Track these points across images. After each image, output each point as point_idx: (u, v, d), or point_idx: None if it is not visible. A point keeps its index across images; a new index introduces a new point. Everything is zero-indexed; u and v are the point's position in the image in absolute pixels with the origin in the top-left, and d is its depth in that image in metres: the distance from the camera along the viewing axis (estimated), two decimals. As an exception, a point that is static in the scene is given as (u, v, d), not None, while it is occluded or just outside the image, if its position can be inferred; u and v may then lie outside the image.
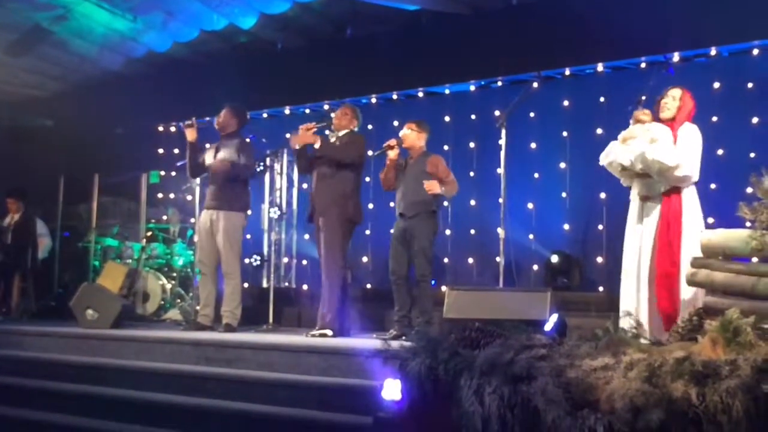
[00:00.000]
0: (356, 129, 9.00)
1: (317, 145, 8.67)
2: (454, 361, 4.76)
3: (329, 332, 8.34)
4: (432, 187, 8.39)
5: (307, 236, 12.56)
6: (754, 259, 6.11)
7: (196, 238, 10.33)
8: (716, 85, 9.91)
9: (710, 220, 8.95)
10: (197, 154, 9.43)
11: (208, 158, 9.35)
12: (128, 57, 13.30)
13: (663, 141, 6.91)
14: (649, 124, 7.11)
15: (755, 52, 9.81)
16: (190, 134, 9.35)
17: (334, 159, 8.62)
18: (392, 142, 8.65)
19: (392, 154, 8.60)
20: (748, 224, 5.75)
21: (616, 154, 7.16)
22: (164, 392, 7.12)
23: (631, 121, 7.39)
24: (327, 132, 8.98)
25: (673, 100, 7.17)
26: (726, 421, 3.74)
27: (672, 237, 6.64)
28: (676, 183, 6.84)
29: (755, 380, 3.77)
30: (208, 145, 9.55)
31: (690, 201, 6.81)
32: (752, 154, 9.37)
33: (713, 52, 9.99)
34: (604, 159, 7.26)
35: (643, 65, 10.42)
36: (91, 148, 13.42)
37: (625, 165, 7.03)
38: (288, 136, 10.22)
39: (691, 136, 6.97)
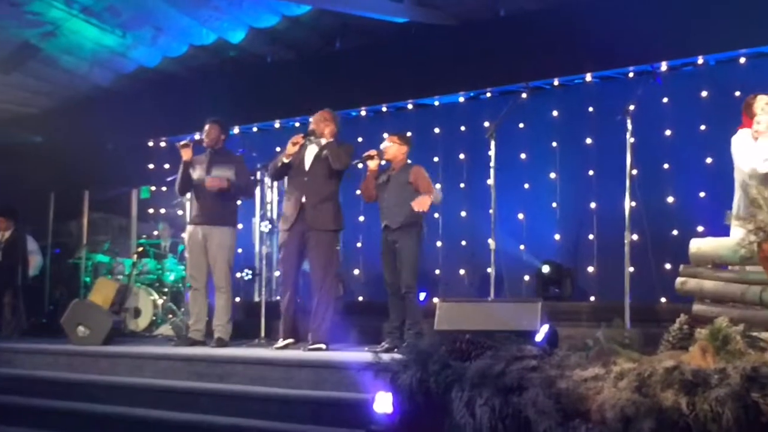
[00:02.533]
0: (335, 134, 8.83)
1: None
2: (445, 373, 4.77)
3: (323, 346, 8.34)
4: (421, 206, 8.34)
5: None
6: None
7: (186, 253, 10.32)
8: (704, 93, 9.95)
9: (700, 228, 9.03)
10: (189, 173, 9.41)
11: (198, 173, 9.30)
12: (118, 73, 13.30)
13: None
14: None
15: (742, 60, 9.85)
16: (186, 154, 9.29)
17: (333, 165, 8.57)
18: (372, 152, 8.62)
19: (372, 164, 8.58)
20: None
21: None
22: (156, 408, 7.10)
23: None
24: (311, 139, 8.88)
25: None
26: (716, 429, 3.74)
27: None
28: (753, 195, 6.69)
29: (745, 388, 3.78)
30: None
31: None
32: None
33: (700, 60, 10.03)
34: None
35: (631, 75, 10.45)
36: (81, 164, 13.38)
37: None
38: (278, 149, 10.26)
39: None
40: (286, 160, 8.70)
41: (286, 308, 8.70)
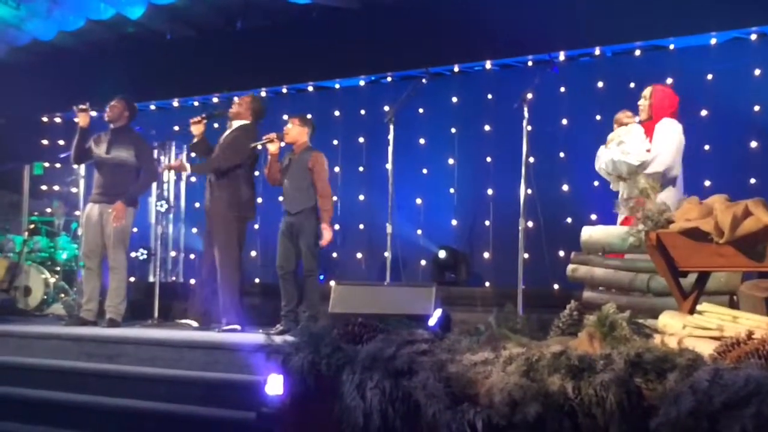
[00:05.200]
0: (250, 121, 8.85)
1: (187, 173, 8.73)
2: (336, 356, 4.76)
3: (238, 327, 8.34)
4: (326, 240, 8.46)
5: (195, 230, 12.44)
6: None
7: (80, 232, 10.12)
8: (600, 84, 10.13)
9: (593, 217, 9.19)
10: (86, 140, 9.21)
11: (98, 150, 9.12)
12: (11, 45, 12.98)
13: (629, 141, 7.04)
14: (628, 126, 7.23)
15: (637, 52, 10.04)
16: (83, 119, 9.11)
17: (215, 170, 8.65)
18: (272, 135, 8.53)
19: (272, 148, 8.53)
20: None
21: (599, 159, 7.30)
22: (44, 389, 6.98)
23: (614, 125, 7.51)
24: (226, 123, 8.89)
25: (644, 99, 7.29)
26: (600, 413, 3.80)
27: None
28: (653, 180, 6.91)
29: (628, 373, 3.85)
30: (94, 136, 9.32)
31: (668, 200, 6.80)
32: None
33: (597, 51, 10.21)
34: (596, 164, 7.46)
35: (529, 63, 10.58)
36: (-28, 138, 13.07)
37: (608, 171, 7.18)
38: (176, 128, 10.15)
39: (665, 132, 7.07)
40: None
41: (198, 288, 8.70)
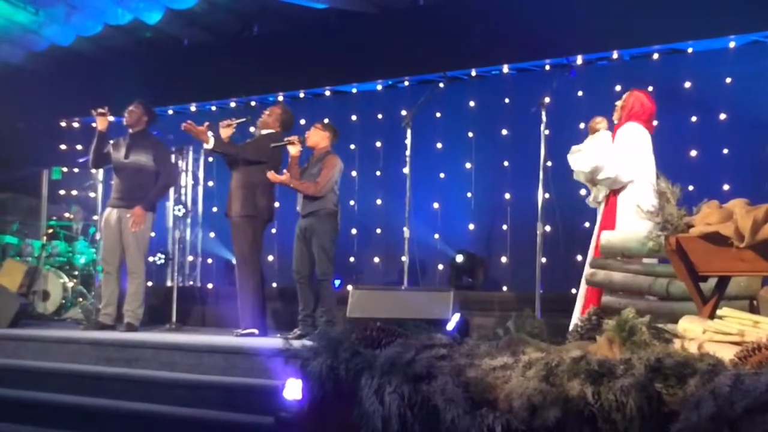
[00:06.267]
0: (277, 130, 8.84)
1: (208, 146, 8.64)
2: (354, 360, 4.75)
3: (255, 331, 8.34)
4: (274, 178, 8.39)
5: (212, 234, 12.46)
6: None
7: (98, 236, 10.15)
8: (617, 87, 10.05)
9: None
10: (104, 144, 9.25)
11: (117, 155, 9.16)
12: (30, 51, 13.06)
13: (586, 149, 7.04)
14: (598, 133, 7.24)
15: (655, 56, 10.02)
16: (102, 123, 9.15)
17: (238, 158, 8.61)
18: (293, 138, 8.55)
19: (293, 150, 8.52)
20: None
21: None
22: (63, 393, 6.99)
23: (590, 132, 7.53)
24: (252, 129, 8.91)
25: (620, 101, 7.27)
26: (620, 418, 3.79)
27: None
28: (609, 186, 6.97)
29: (648, 379, 3.83)
30: (112, 141, 9.35)
31: (626, 204, 6.77)
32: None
33: (615, 55, 10.18)
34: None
35: (547, 67, 10.56)
36: (-11, 142, 13.14)
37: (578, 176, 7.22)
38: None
39: (623, 137, 7.05)
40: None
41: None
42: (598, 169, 6.98)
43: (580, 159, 7.10)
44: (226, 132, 8.81)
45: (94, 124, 9.27)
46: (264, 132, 8.83)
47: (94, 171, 10.62)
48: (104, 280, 9.29)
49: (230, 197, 8.65)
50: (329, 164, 8.48)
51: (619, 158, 6.94)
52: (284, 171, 8.60)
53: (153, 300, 10.16)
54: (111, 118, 9.36)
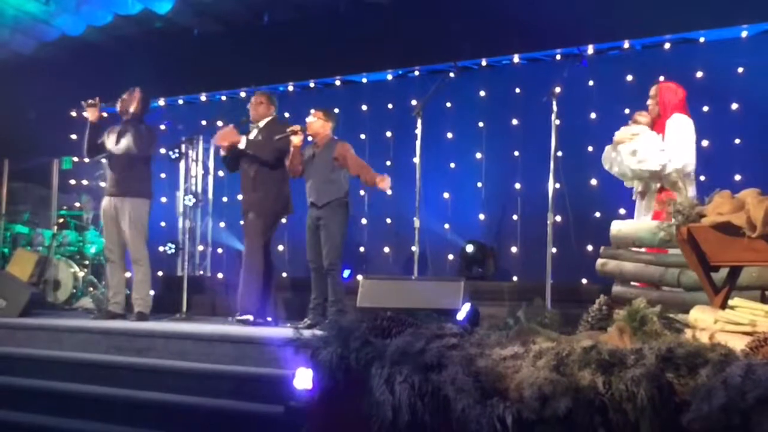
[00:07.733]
0: (274, 114, 8.94)
1: (241, 146, 8.63)
2: (365, 350, 4.75)
3: (250, 317, 8.35)
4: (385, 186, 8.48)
5: (222, 224, 12.48)
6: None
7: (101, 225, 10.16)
8: (629, 77, 10.06)
9: (622, 211, 9.13)
10: (96, 134, 9.28)
11: (110, 143, 9.19)
12: (40, 41, 13.04)
13: (642, 149, 7.08)
14: (637, 126, 7.27)
15: (667, 45, 10.00)
16: (92, 114, 9.20)
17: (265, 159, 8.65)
18: (296, 127, 8.49)
19: (296, 140, 8.47)
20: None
21: (611, 163, 7.34)
22: (74, 382, 7.01)
23: (630, 122, 7.54)
24: (250, 126, 8.90)
25: (652, 99, 7.33)
26: (631, 408, 3.78)
27: None
28: (673, 179, 7.04)
29: (659, 369, 3.83)
30: (108, 129, 9.36)
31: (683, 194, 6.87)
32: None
33: (626, 45, 10.16)
34: (605, 164, 7.58)
35: (558, 57, 10.53)
36: (1, 132, 13.11)
37: (621, 172, 7.23)
38: (204, 122, 10.17)
39: (676, 128, 7.10)
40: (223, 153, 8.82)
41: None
42: (667, 164, 7.03)
43: (647, 160, 7.11)
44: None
45: (85, 114, 9.27)
46: (262, 123, 8.84)
47: (87, 160, 10.58)
48: (110, 269, 9.32)
49: (253, 188, 8.70)
50: (351, 153, 8.56)
51: (682, 150, 7.02)
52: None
53: (163, 289, 10.16)
54: (105, 115, 9.37)
